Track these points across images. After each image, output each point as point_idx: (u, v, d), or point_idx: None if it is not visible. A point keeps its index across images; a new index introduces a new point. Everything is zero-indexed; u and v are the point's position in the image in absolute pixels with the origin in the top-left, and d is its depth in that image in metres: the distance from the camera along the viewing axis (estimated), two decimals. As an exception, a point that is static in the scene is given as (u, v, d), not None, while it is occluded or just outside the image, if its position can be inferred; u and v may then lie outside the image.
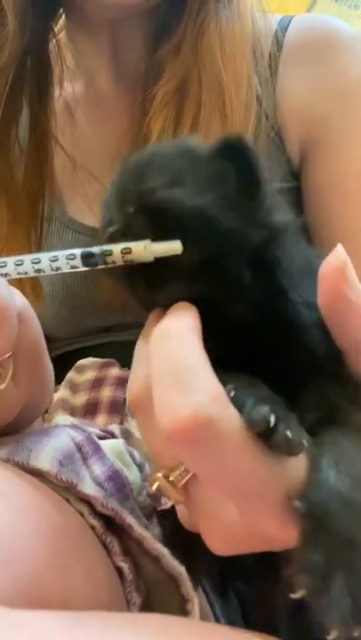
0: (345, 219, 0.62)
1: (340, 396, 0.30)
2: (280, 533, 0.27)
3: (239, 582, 0.49)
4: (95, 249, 0.33)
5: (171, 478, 0.29)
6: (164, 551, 0.39)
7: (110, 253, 0.32)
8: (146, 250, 0.32)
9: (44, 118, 0.67)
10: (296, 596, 0.25)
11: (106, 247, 0.33)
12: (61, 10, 0.68)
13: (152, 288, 0.33)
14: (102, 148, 0.71)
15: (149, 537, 0.39)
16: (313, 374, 0.31)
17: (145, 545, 0.39)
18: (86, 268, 0.33)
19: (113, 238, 0.33)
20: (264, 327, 0.32)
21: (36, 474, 0.38)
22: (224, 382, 0.27)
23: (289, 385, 0.30)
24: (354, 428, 0.29)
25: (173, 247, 0.31)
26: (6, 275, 0.34)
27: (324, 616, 0.24)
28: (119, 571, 0.39)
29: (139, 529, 0.39)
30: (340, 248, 0.30)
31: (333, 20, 0.69)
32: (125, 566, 0.39)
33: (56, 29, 0.69)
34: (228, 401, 0.26)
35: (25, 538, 0.33)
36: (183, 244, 0.31)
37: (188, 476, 0.29)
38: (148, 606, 0.40)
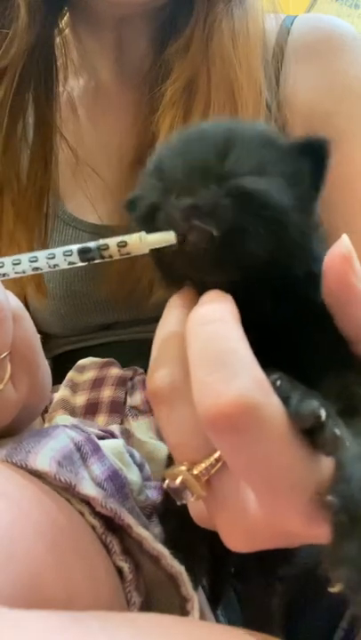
0: (348, 217, 0.61)
1: (359, 386, 0.30)
2: (305, 530, 0.26)
3: (238, 582, 0.49)
4: (92, 244, 0.33)
5: (195, 472, 0.28)
6: (163, 551, 0.39)
7: (107, 247, 0.32)
8: (142, 242, 0.32)
9: (49, 114, 0.67)
10: (334, 590, 0.24)
11: (102, 242, 0.32)
12: (66, 7, 0.68)
13: (210, 271, 0.31)
14: (105, 144, 0.71)
15: (149, 537, 0.39)
16: (332, 364, 0.31)
17: (145, 545, 0.39)
18: (83, 264, 0.33)
19: (191, 212, 0.30)
20: (288, 319, 0.32)
21: (36, 474, 0.38)
22: (267, 372, 0.26)
23: (308, 376, 0.29)
24: None
25: (167, 238, 0.31)
26: (4, 275, 0.34)
27: None
28: (119, 570, 0.39)
29: (138, 529, 0.39)
30: (345, 237, 0.30)
31: (336, 19, 0.69)
32: (125, 566, 0.39)
33: (61, 25, 0.70)
34: (272, 389, 0.26)
35: (25, 537, 0.33)
36: (260, 236, 0.30)
37: (213, 470, 0.28)
38: (148, 606, 0.40)
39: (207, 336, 0.27)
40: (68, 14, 0.70)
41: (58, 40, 0.69)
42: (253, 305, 0.31)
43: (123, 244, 0.32)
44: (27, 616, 0.26)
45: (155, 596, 0.40)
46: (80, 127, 0.72)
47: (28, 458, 0.38)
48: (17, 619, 0.26)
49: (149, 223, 0.33)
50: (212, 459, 0.28)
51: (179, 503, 0.29)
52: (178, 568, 0.39)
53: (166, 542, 0.40)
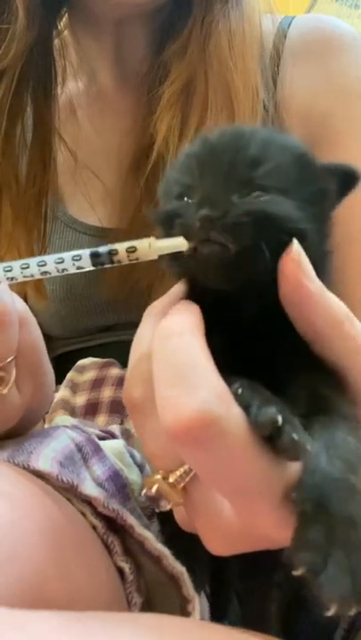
0: (345, 220, 0.62)
1: (326, 387, 0.31)
2: (280, 533, 0.27)
3: (237, 583, 0.49)
4: (102, 248, 0.33)
5: (170, 480, 0.29)
6: (165, 552, 0.39)
7: (116, 253, 0.33)
8: (151, 248, 0.32)
9: (48, 116, 0.67)
10: (296, 573, 0.25)
11: (111, 247, 0.33)
12: (65, 8, 0.68)
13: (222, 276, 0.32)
14: (104, 146, 0.71)
15: (150, 537, 0.39)
16: (302, 365, 0.31)
17: (146, 545, 0.39)
18: (93, 268, 0.33)
19: (210, 225, 0.30)
20: (265, 322, 0.32)
21: (38, 475, 0.38)
22: (229, 382, 0.27)
23: (278, 379, 0.30)
24: (342, 417, 0.29)
25: (177, 244, 0.31)
26: (13, 279, 0.34)
27: (322, 593, 0.24)
28: (120, 571, 0.39)
29: (140, 529, 0.39)
30: (295, 242, 0.30)
31: (335, 20, 0.69)
32: (126, 566, 0.39)
33: (60, 27, 0.70)
34: (233, 400, 0.26)
35: (27, 537, 0.33)
36: (274, 257, 0.30)
37: (188, 478, 0.29)
38: (148, 606, 0.40)
39: (169, 350, 0.27)
40: (66, 16, 0.70)
41: (56, 42, 0.69)
42: (239, 307, 0.32)
43: (132, 250, 0.32)
44: (28, 616, 0.26)
45: (156, 597, 0.40)
46: (79, 129, 0.72)
47: (30, 459, 0.38)
48: (18, 619, 0.26)
49: (167, 227, 0.33)
50: (185, 467, 0.29)
51: (157, 510, 0.30)
52: (179, 569, 0.39)
53: (166, 544, 0.40)
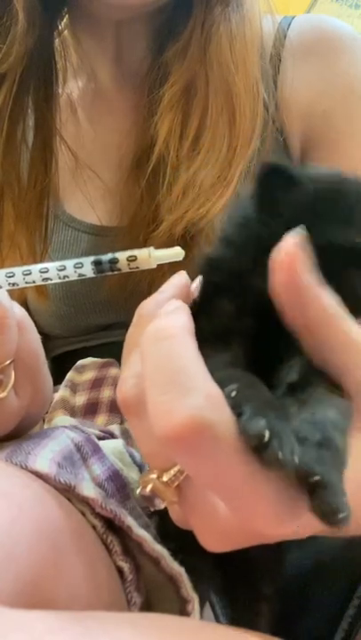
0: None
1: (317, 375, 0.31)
2: (276, 530, 0.26)
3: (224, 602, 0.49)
4: (103, 257, 0.34)
5: (164, 479, 0.29)
6: (163, 552, 0.39)
7: (117, 261, 0.33)
8: (151, 257, 0.32)
9: (49, 116, 0.67)
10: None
11: (113, 255, 0.33)
12: (65, 9, 0.68)
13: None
14: (104, 146, 0.71)
15: (148, 538, 0.39)
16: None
17: (144, 546, 0.39)
18: (94, 276, 0.34)
19: None
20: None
21: (37, 474, 0.38)
22: (226, 381, 0.27)
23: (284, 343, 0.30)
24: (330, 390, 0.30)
25: (175, 253, 0.32)
26: (14, 284, 0.34)
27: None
28: (120, 570, 0.39)
29: (138, 530, 0.39)
30: (290, 236, 0.29)
31: (335, 20, 0.69)
32: (126, 566, 0.39)
33: (60, 27, 0.70)
34: (225, 404, 0.26)
35: (26, 537, 0.33)
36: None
37: (182, 477, 0.29)
38: (148, 606, 0.40)
39: (159, 354, 0.27)
40: (67, 16, 0.70)
41: (57, 42, 0.69)
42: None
43: (132, 259, 0.33)
44: (27, 616, 0.26)
45: (155, 597, 0.40)
46: (79, 129, 0.72)
47: (27, 459, 0.38)
48: (17, 619, 0.26)
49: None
50: (177, 467, 0.29)
51: (152, 509, 0.30)
52: (178, 569, 0.39)
53: (164, 540, 0.40)
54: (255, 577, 0.42)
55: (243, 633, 0.32)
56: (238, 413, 0.26)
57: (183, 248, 0.36)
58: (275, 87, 0.65)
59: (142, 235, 0.62)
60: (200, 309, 0.33)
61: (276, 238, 0.30)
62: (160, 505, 0.30)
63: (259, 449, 0.25)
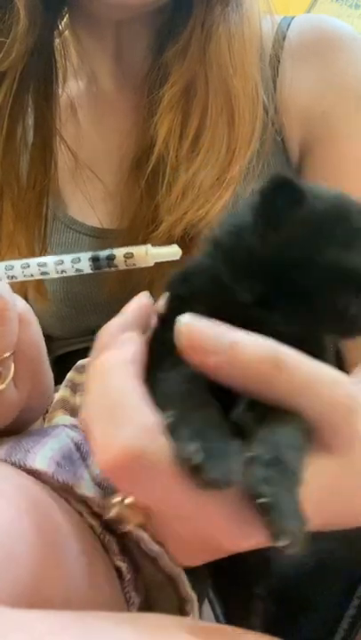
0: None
1: None
2: (237, 547, 0.27)
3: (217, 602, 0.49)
4: (101, 253, 0.34)
5: (127, 502, 0.29)
6: (160, 552, 0.39)
7: (114, 257, 0.33)
8: (147, 255, 0.32)
9: (49, 115, 0.67)
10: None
11: (110, 252, 0.33)
12: (66, 9, 0.68)
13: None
14: (104, 146, 0.71)
15: (146, 538, 0.39)
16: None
17: (142, 546, 0.39)
18: (91, 272, 0.34)
19: None
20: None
21: (35, 474, 0.38)
22: (169, 405, 0.27)
23: None
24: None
25: (173, 252, 0.31)
26: (13, 277, 0.34)
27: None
28: (118, 570, 0.39)
29: (135, 530, 0.39)
30: (183, 319, 0.29)
31: (334, 20, 0.69)
32: (124, 566, 0.39)
33: (61, 27, 0.70)
34: (160, 431, 0.26)
35: (24, 537, 0.33)
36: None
37: None
38: (147, 606, 0.40)
39: (99, 388, 0.28)
40: (67, 16, 0.70)
41: (57, 41, 0.69)
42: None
43: (129, 256, 0.33)
44: (27, 616, 0.26)
45: (154, 596, 0.40)
46: (79, 129, 0.72)
47: (26, 457, 0.38)
48: (16, 619, 0.26)
49: None
50: None
51: (119, 532, 0.30)
52: (176, 569, 0.39)
53: None
54: (247, 576, 0.42)
55: (242, 633, 0.32)
56: (175, 438, 0.26)
57: (182, 249, 0.36)
58: (274, 89, 0.65)
59: (142, 235, 0.62)
60: (165, 322, 0.33)
61: (270, 251, 0.31)
62: (128, 526, 0.30)
63: (192, 472, 0.25)
